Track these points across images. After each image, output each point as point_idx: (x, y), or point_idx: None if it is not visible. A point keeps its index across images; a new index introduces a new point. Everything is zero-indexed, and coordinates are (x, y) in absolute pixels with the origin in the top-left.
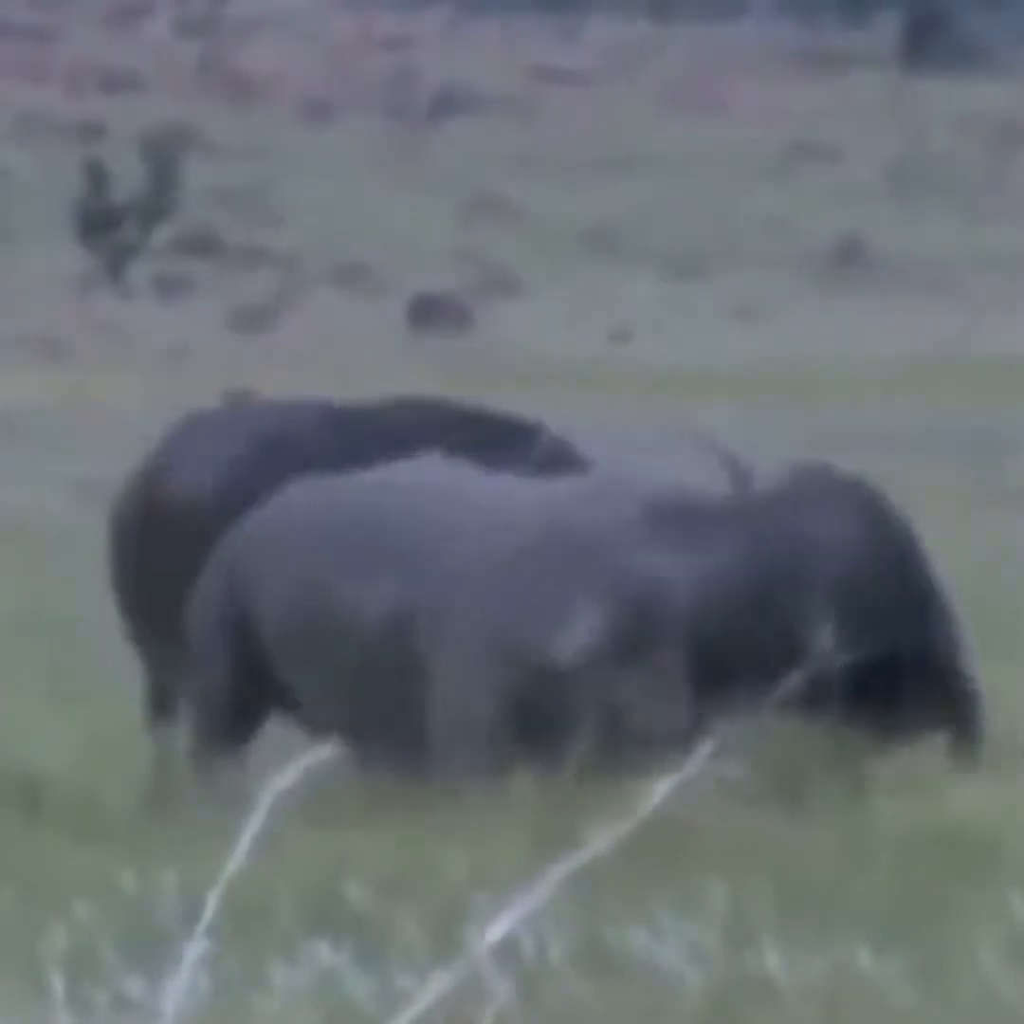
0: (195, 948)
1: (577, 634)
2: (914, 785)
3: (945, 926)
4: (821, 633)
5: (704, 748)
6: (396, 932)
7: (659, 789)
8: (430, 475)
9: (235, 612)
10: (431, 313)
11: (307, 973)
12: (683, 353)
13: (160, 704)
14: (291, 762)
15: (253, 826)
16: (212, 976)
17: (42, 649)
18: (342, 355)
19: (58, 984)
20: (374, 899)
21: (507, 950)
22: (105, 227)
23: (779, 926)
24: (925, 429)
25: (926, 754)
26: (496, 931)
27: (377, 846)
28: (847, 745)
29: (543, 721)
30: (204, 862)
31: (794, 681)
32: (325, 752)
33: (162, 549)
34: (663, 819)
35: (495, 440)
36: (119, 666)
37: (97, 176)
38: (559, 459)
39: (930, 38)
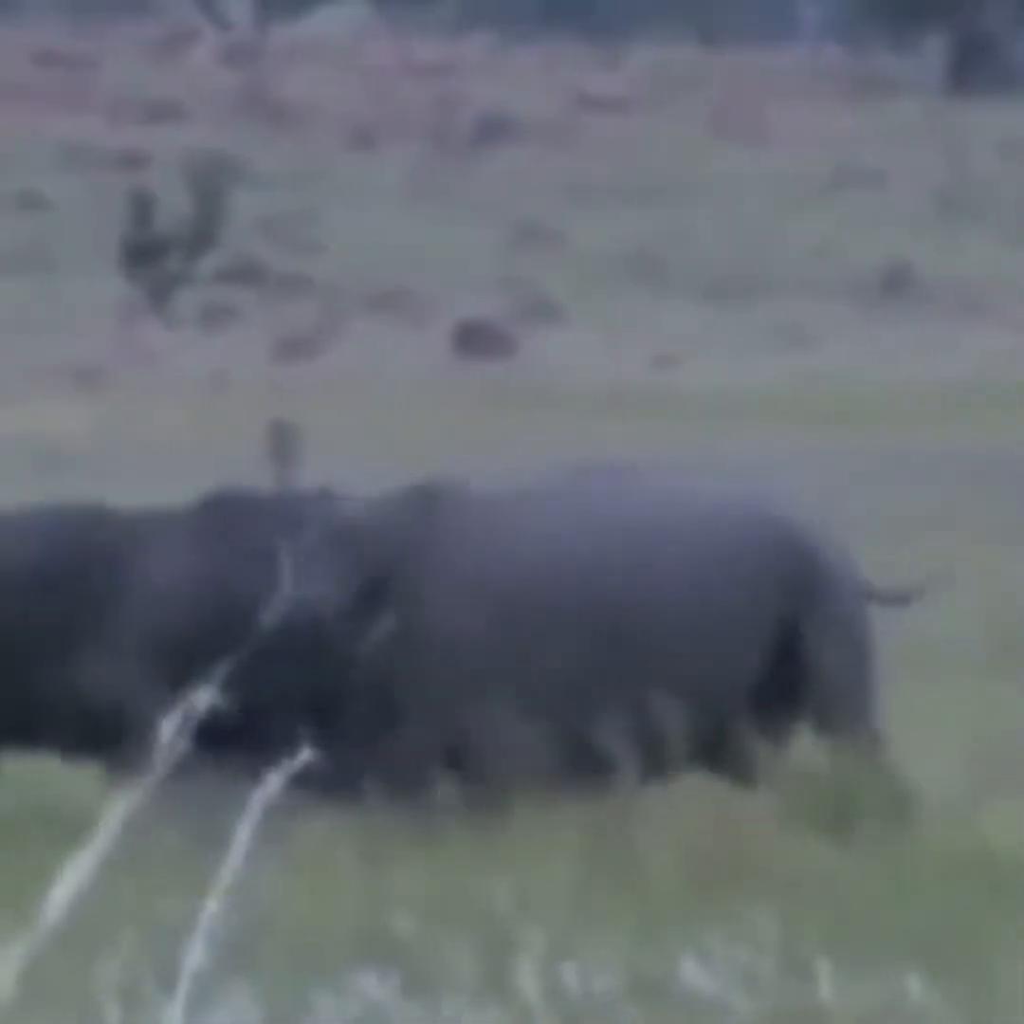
0: (193, 958)
1: None
2: (956, 811)
3: (994, 953)
4: None
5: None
6: (443, 962)
7: None
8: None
9: None
10: (475, 340)
11: (354, 1003)
12: (728, 379)
13: None
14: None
15: (244, 832)
16: (260, 1006)
17: None
18: (386, 383)
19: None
20: (421, 929)
21: (556, 981)
22: (150, 257)
23: (830, 954)
24: (971, 455)
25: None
26: None
27: (424, 877)
28: (894, 775)
29: None
30: (245, 892)
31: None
32: (306, 757)
33: None
34: (717, 849)
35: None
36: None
37: (142, 205)
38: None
39: (976, 63)
